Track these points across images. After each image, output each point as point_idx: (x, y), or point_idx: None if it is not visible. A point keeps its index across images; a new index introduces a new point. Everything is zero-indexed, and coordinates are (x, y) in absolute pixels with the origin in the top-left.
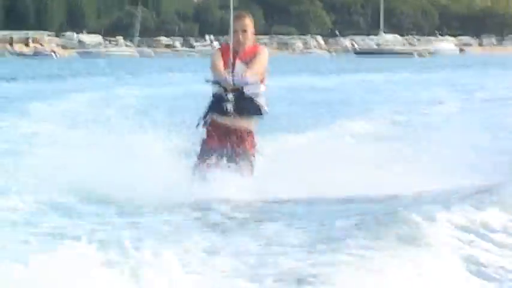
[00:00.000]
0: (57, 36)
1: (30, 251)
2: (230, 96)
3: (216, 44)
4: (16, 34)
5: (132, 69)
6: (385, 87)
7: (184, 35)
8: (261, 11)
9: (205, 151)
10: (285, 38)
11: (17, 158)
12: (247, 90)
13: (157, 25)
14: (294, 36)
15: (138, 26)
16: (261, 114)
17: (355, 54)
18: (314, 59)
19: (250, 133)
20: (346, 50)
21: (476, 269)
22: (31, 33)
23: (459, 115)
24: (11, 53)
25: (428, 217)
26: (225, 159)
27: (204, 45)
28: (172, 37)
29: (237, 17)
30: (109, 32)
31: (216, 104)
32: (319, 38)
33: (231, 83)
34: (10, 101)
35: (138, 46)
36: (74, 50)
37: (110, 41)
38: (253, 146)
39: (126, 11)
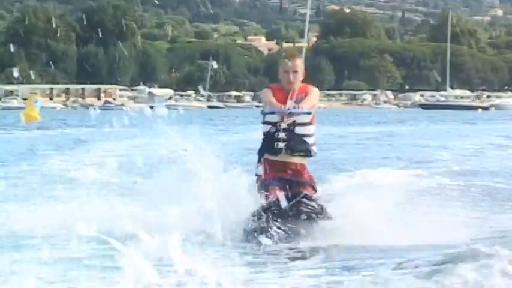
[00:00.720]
0: (129, 90)
1: None
2: (281, 134)
3: None
4: (88, 87)
5: (199, 121)
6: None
7: (255, 89)
8: (331, 66)
9: (265, 183)
10: (355, 92)
11: None
12: (298, 130)
13: (227, 79)
14: (364, 90)
15: (208, 80)
16: (311, 155)
17: (421, 108)
18: (381, 112)
19: (304, 166)
20: (415, 105)
21: None
22: (103, 87)
23: None
24: (82, 105)
25: None
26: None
27: None
28: (242, 91)
29: (288, 58)
30: (180, 85)
31: (268, 144)
32: (389, 93)
33: (287, 111)
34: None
35: (208, 100)
36: (145, 104)
37: (181, 95)
38: (311, 178)
39: (197, 65)
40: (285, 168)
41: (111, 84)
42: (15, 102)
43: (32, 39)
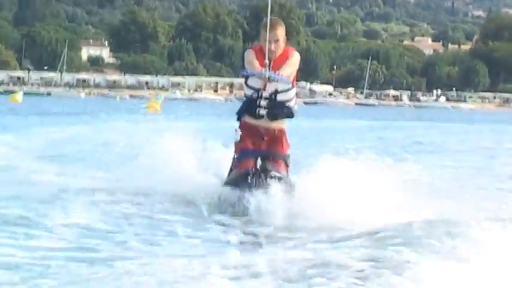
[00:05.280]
0: None
1: None
2: (263, 102)
3: (442, 98)
4: None
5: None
6: None
7: (412, 89)
8: (487, 69)
9: (240, 154)
10: (508, 95)
11: None
12: (280, 97)
13: (386, 78)
14: None
15: (367, 79)
16: (293, 116)
17: None
18: None
19: (283, 132)
20: None
21: None
22: None
23: None
24: (237, 99)
25: None
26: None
27: (430, 100)
28: (400, 90)
29: (269, 27)
30: (340, 83)
31: (249, 107)
32: None
33: (266, 76)
34: None
35: (366, 97)
36: (301, 99)
37: (340, 92)
38: (287, 145)
39: (358, 64)
40: (262, 133)
41: None
42: (177, 94)
43: (201, 34)
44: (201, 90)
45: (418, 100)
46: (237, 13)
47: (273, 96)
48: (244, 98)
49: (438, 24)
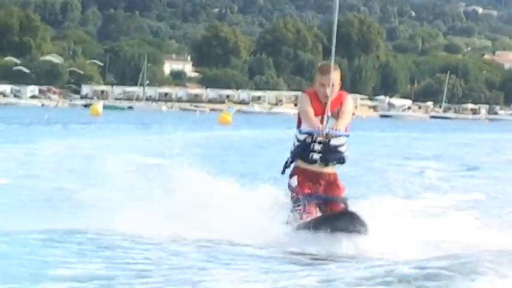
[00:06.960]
0: (369, 99)
1: None
2: (317, 147)
3: None
4: None
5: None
6: None
7: (490, 103)
8: None
9: (304, 199)
10: None
11: None
12: (333, 141)
13: (464, 92)
14: None
15: (445, 93)
16: (344, 162)
17: None
18: None
19: (336, 175)
20: None
21: None
22: None
23: None
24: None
25: None
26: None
27: (509, 114)
28: (478, 104)
29: (324, 71)
30: (419, 96)
31: (302, 152)
32: None
33: (324, 134)
34: None
35: (445, 111)
36: (377, 113)
37: (419, 106)
38: (343, 188)
39: (437, 78)
40: (318, 178)
41: (353, 93)
42: (255, 107)
43: (281, 49)
44: (281, 104)
45: (496, 114)
46: (318, 28)
47: (327, 140)
48: (297, 143)
49: None
